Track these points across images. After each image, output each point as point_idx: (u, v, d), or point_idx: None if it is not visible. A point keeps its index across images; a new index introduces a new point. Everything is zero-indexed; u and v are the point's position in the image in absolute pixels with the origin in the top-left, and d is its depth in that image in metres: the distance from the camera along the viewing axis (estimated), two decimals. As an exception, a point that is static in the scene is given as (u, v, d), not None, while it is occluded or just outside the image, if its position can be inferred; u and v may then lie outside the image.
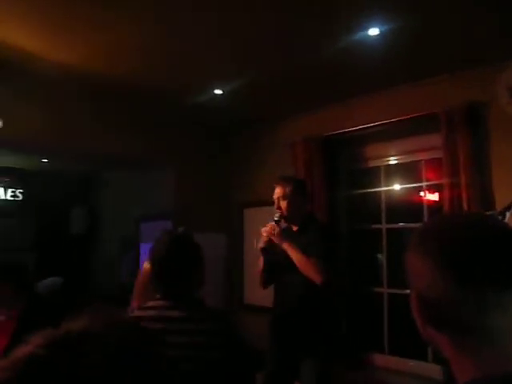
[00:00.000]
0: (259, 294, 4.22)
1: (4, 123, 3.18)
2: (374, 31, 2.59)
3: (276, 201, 2.87)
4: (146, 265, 2.24)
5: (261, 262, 2.92)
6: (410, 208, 3.69)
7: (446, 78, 3.13)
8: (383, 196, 3.71)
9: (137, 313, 1.76)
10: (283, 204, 2.83)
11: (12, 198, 5.55)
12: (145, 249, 4.73)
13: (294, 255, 2.68)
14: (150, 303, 1.72)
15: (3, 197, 5.50)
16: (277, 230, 2.77)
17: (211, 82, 3.41)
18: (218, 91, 3.55)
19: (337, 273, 2.87)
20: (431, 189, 3.47)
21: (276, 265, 2.88)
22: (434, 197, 3.48)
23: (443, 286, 0.69)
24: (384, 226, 3.65)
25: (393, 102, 3.42)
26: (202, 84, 3.46)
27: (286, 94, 3.65)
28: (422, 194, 3.53)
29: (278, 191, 2.87)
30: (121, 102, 3.82)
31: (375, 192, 3.77)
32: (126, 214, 4.95)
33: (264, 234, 2.80)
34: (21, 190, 5.59)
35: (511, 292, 0.66)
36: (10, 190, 5.54)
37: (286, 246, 2.72)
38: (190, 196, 4.26)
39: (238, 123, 4.40)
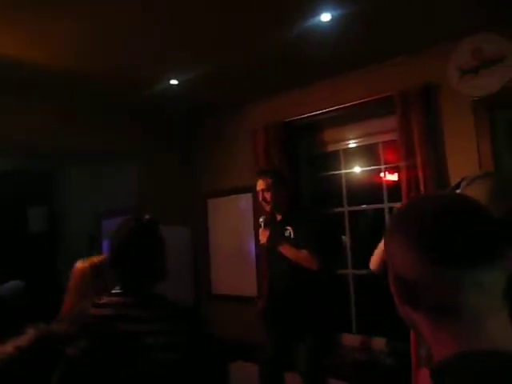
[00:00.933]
0: (227, 284, 4.25)
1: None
2: (326, 16, 2.60)
3: (260, 193, 3.01)
4: (79, 264, 2.08)
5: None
6: (370, 190, 3.77)
7: (400, 61, 3.19)
8: (344, 179, 3.77)
9: (92, 311, 1.54)
10: (267, 195, 2.97)
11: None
12: (107, 246, 4.63)
13: (289, 254, 2.87)
14: (105, 299, 1.53)
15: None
16: (268, 234, 2.96)
17: (167, 72, 3.35)
18: (173, 81, 3.49)
19: (330, 254, 3.04)
20: (390, 170, 3.56)
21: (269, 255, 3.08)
22: (393, 177, 3.57)
23: (420, 266, 0.70)
24: (346, 209, 3.72)
25: (349, 87, 3.47)
26: (157, 75, 3.39)
27: (243, 82, 3.64)
28: (381, 175, 3.61)
29: (260, 184, 3.01)
30: (79, 96, 3.70)
31: (336, 175, 3.82)
32: (91, 210, 4.83)
33: (261, 242, 3.03)
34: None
35: (487, 271, 0.67)
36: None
37: (281, 249, 2.91)
38: (153, 189, 4.20)
39: (198, 113, 4.35)
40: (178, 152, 4.53)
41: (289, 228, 2.95)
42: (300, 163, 3.88)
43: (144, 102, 3.95)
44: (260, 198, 3.02)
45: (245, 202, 4.10)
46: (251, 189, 4.03)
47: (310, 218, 2.97)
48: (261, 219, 3.03)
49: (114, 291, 1.55)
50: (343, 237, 3.79)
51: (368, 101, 3.32)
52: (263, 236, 2.97)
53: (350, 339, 3.57)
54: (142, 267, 1.56)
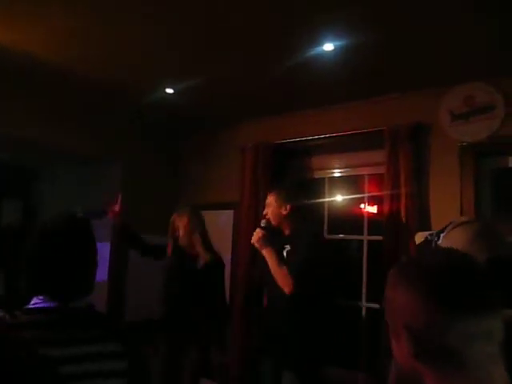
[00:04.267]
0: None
1: None
2: (329, 47, 2.66)
3: (267, 207, 2.90)
4: None
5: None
6: (351, 220, 3.81)
7: (394, 97, 3.27)
8: (326, 207, 3.80)
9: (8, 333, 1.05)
10: (269, 210, 2.86)
11: None
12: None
13: (269, 262, 2.69)
14: (23, 317, 1.17)
15: None
16: (260, 235, 2.77)
17: (162, 80, 3.35)
18: (169, 90, 3.49)
19: (319, 283, 2.76)
20: (372, 202, 3.60)
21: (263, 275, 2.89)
22: (373, 209, 3.62)
23: (430, 318, 0.72)
24: (326, 237, 3.73)
25: (342, 117, 3.53)
26: (152, 82, 3.39)
27: (238, 99, 3.66)
28: (362, 206, 3.65)
29: (270, 197, 2.90)
30: (69, 96, 3.66)
31: (319, 203, 3.85)
32: (68, 210, 4.74)
33: (252, 241, 2.81)
34: None
35: (492, 319, 0.71)
36: None
37: (264, 252, 2.73)
38: (136, 196, 4.14)
39: (189, 124, 4.35)
40: (163, 161, 4.50)
41: (287, 246, 2.77)
42: (285, 186, 3.88)
43: (138, 109, 3.94)
44: (264, 213, 2.91)
45: (226, 218, 4.08)
46: (234, 205, 4.03)
47: (310, 242, 2.72)
48: (263, 221, 2.87)
49: (32, 305, 1.21)
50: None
51: (358, 133, 3.38)
52: (256, 235, 2.77)
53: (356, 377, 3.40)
54: (68, 274, 1.25)
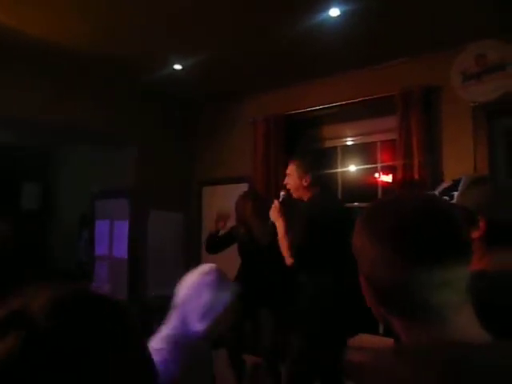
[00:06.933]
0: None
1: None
2: (335, 12, 2.62)
3: (287, 176, 2.84)
4: None
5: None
6: (365, 189, 3.79)
7: (404, 62, 3.22)
8: (339, 177, 3.79)
9: None
10: (289, 181, 2.81)
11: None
12: (101, 226, 4.65)
13: (278, 233, 2.68)
14: None
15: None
16: (275, 207, 2.74)
17: (171, 56, 3.35)
18: (177, 66, 3.50)
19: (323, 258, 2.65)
20: (385, 170, 3.58)
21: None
22: (388, 178, 3.60)
23: (391, 267, 0.70)
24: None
25: (352, 84, 3.49)
26: (161, 58, 3.39)
27: (245, 72, 3.65)
28: (376, 175, 3.63)
29: (290, 168, 2.83)
30: (82, 75, 3.69)
31: (332, 173, 3.84)
32: (85, 190, 4.83)
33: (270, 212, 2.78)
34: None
35: (456, 270, 0.69)
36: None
37: (277, 224, 2.70)
38: (150, 173, 4.19)
39: (199, 99, 4.36)
40: (176, 138, 4.52)
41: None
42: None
43: (146, 86, 3.95)
44: (284, 182, 2.85)
45: (240, 191, 4.11)
46: (247, 179, 4.05)
47: (316, 215, 2.63)
48: (282, 193, 2.84)
49: None
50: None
51: (369, 99, 3.34)
52: (274, 209, 2.73)
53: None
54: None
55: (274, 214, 2.75)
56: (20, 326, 0.51)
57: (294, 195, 2.82)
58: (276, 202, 2.79)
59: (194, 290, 1.59)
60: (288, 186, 2.82)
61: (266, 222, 2.94)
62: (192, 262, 4.47)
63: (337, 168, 3.82)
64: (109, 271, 4.38)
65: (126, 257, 4.22)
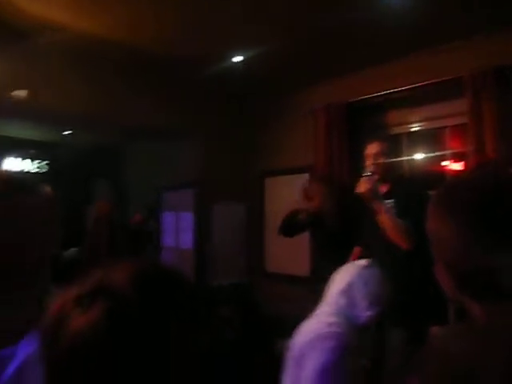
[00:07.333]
0: (281, 263, 4.28)
1: (29, 94, 3.22)
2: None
3: (370, 157, 2.67)
4: None
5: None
6: (433, 179, 3.63)
7: (471, 42, 3.04)
8: (406, 165, 3.66)
9: None
10: (379, 161, 2.63)
11: (37, 170, 5.65)
12: (167, 217, 4.82)
13: (384, 216, 2.46)
14: None
15: (28, 168, 5.59)
16: (371, 185, 2.48)
17: (232, 49, 3.38)
18: (238, 58, 3.52)
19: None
20: (455, 158, 3.40)
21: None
22: (459, 166, 3.41)
23: (480, 253, 0.65)
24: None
25: (416, 68, 3.34)
26: (223, 51, 3.43)
27: (306, 61, 3.60)
28: (445, 163, 3.46)
29: (373, 147, 2.68)
30: (143, 73, 3.82)
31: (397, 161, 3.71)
32: (152, 184, 5.03)
33: (359, 190, 2.52)
34: (46, 162, 5.69)
35: None
36: (35, 162, 5.64)
37: (376, 205, 2.49)
38: (213, 166, 4.28)
39: (260, 90, 4.37)
40: (238, 130, 4.57)
41: (390, 202, 2.54)
42: (361, 146, 3.79)
43: (209, 80, 4.01)
44: (368, 163, 2.65)
45: (301, 182, 4.08)
46: (308, 169, 4.01)
47: (418, 192, 2.46)
48: (369, 171, 2.57)
49: None
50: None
51: (435, 82, 3.19)
52: (364, 184, 2.47)
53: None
54: None
55: (370, 193, 2.49)
56: (105, 298, 0.53)
57: (382, 175, 2.62)
58: (368, 179, 2.51)
59: (360, 278, 1.71)
60: (378, 165, 2.61)
61: (342, 207, 2.88)
62: (255, 254, 4.54)
63: (402, 156, 3.69)
64: (175, 261, 4.53)
65: (192, 247, 4.34)
